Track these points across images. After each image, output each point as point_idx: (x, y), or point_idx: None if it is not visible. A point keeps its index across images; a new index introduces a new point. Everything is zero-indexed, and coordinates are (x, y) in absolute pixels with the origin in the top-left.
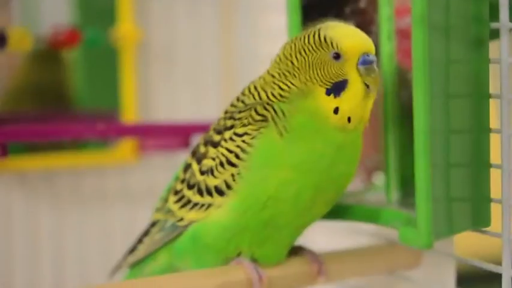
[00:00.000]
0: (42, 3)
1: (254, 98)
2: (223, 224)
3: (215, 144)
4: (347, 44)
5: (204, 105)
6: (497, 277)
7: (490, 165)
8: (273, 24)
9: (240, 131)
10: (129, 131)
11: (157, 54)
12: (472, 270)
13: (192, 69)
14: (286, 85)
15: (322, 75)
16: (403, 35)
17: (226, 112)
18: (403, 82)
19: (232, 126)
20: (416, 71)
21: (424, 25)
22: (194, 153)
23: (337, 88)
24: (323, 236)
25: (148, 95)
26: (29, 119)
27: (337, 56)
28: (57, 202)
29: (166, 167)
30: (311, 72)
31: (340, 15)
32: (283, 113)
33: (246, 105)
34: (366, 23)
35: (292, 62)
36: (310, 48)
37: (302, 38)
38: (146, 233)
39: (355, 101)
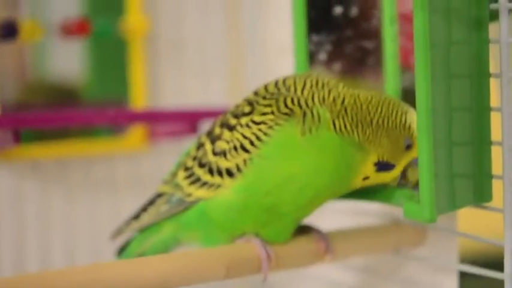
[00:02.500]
0: None
1: (289, 91)
2: (228, 204)
3: (230, 128)
4: None
5: (211, 94)
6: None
7: (491, 143)
8: (280, 11)
9: (257, 119)
10: (139, 117)
11: (165, 43)
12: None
13: (200, 58)
14: (351, 128)
15: (385, 150)
16: (406, 18)
17: (246, 99)
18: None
19: (250, 113)
20: (418, 52)
21: (425, 7)
22: (209, 133)
23: (384, 167)
24: (329, 216)
25: (156, 85)
26: (39, 110)
27: (408, 147)
28: (69, 189)
29: (176, 154)
30: (380, 140)
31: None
32: (319, 119)
33: (274, 93)
34: (369, 7)
35: (371, 121)
36: (392, 125)
37: (390, 110)
38: (151, 202)
39: (383, 181)
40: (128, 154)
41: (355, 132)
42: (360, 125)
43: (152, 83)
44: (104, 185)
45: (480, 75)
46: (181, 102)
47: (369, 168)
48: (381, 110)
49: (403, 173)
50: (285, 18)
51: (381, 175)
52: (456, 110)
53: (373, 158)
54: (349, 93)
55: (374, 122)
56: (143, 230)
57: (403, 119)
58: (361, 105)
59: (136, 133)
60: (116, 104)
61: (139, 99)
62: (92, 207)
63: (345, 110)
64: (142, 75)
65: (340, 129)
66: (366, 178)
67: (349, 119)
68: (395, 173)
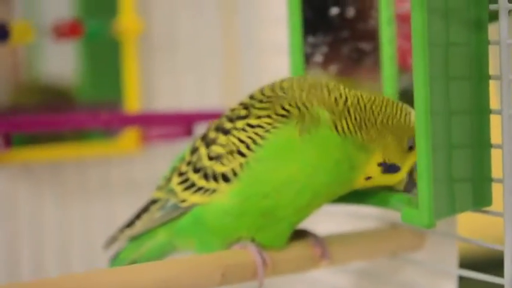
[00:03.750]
0: None
1: (286, 93)
2: (224, 208)
3: (226, 132)
4: None
5: (206, 95)
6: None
7: (490, 146)
8: (275, 11)
9: (253, 122)
10: (133, 120)
11: (159, 44)
12: (474, 258)
13: (194, 59)
14: (354, 129)
15: (389, 150)
16: (403, 19)
17: (241, 102)
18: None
19: (246, 116)
20: (416, 53)
21: (423, 7)
22: (203, 138)
23: (389, 169)
24: (326, 220)
25: (150, 86)
26: (32, 111)
27: (411, 147)
28: (62, 193)
29: (170, 156)
30: (385, 140)
31: (340, 0)
32: (318, 119)
33: (270, 96)
34: (366, 8)
35: (376, 120)
36: (397, 124)
37: (394, 110)
38: (145, 209)
39: (388, 183)
40: (122, 157)
41: (359, 133)
42: (363, 125)
43: (146, 84)
44: (97, 188)
45: (480, 77)
46: (175, 104)
47: (372, 169)
48: (385, 110)
49: (410, 175)
50: (280, 19)
51: (387, 177)
52: (455, 113)
53: (377, 158)
54: (352, 94)
55: (378, 121)
56: (136, 237)
57: (407, 119)
58: (365, 105)
59: (129, 136)
60: (109, 106)
61: (133, 101)
62: (85, 210)
63: (348, 111)
64: (136, 77)
65: (343, 130)
66: (368, 178)
67: (353, 119)
68: (401, 175)
